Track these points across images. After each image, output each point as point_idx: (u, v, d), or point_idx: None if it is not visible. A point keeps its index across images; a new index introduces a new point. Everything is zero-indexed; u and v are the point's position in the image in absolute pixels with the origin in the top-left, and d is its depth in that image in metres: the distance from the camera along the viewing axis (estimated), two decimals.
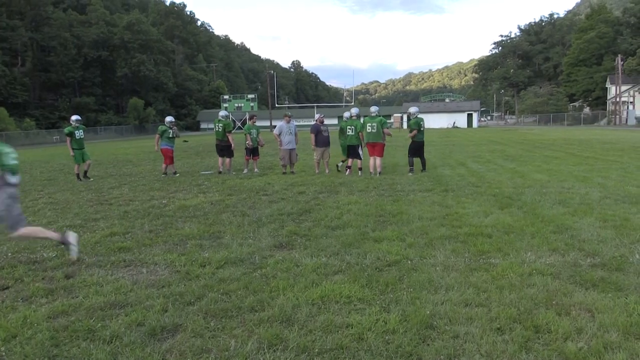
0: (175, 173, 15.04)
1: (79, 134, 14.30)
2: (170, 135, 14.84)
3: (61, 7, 78.61)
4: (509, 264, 5.08)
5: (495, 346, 3.42)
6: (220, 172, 15.05)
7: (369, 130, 13.01)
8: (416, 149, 13.65)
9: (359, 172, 13.40)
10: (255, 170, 15.40)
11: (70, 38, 73.77)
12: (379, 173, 13.03)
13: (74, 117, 14.53)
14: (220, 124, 14.93)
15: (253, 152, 15.52)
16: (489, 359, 3.30)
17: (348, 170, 13.58)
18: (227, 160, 15.13)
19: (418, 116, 13.89)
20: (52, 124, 67.17)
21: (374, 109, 13.42)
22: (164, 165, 15.02)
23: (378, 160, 13.16)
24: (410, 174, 13.06)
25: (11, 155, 5.49)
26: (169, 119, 15.41)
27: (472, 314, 3.94)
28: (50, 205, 10.09)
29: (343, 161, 14.43)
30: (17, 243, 6.80)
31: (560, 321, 3.75)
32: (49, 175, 16.37)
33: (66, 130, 14.40)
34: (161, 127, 14.95)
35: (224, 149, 15.00)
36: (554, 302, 4.12)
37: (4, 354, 3.55)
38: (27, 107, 65.91)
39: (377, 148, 13.10)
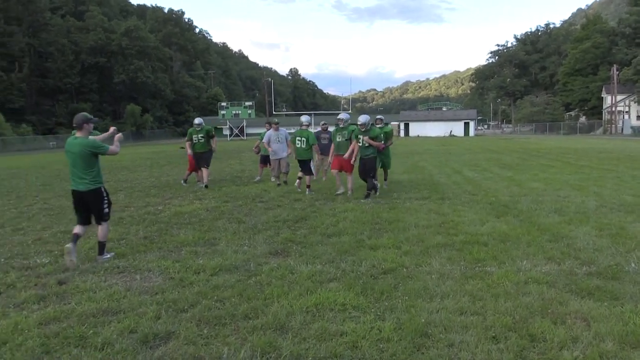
0: (184, 181, 14.03)
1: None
2: (197, 140, 13.37)
3: (59, 14, 78.64)
4: (505, 272, 5.06)
5: (491, 355, 3.40)
6: (185, 182, 13.67)
7: (339, 140, 10.84)
8: (364, 168, 10.53)
9: (307, 190, 11.37)
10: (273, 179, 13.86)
11: (67, 44, 73.78)
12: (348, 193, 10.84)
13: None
14: (201, 134, 12.93)
15: (266, 159, 14.09)
16: None
17: (298, 180, 11.79)
18: (204, 171, 13.02)
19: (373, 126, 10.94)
20: (49, 129, 67.05)
21: (343, 116, 11.07)
22: (187, 172, 14.15)
23: (348, 177, 10.90)
24: (365, 199, 10.26)
25: None
26: (198, 120, 13.88)
27: (467, 322, 3.92)
28: (45, 210, 10.04)
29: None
30: (10, 248, 6.75)
31: (555, 330, 3.73)
32: (45, 181, 16.31)
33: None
34: (191, 131, 13.61)
35: (202, 159, 13.01)
36: (549, 311, 4.10)
37: None
38: (24, 113, 65.77)
39: (345, 163, 10.75)
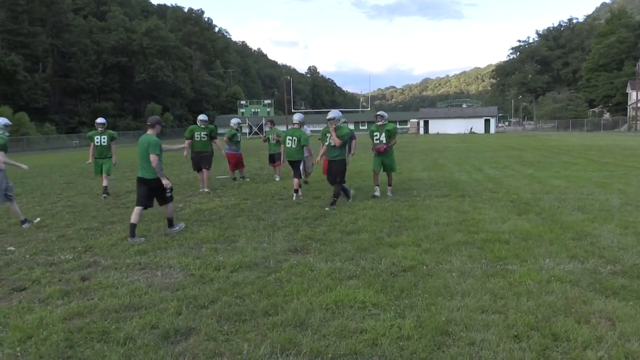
0: (234, 179, 14.00)
1: (101, 139, 11.69)
2: (238, 139, 13.74)
3: (81, 14, 79.78)
4: (527, 271, 5.00)
5: (513, 354, 3.36)
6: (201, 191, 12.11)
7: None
8: (330, 171, 9.73)
9: (295, 195, 10.42)
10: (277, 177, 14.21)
11: (90, 44, 74.83)
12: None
13: (98, 120, 11.96)
14: (204, 132, 12.06)
15: (273, 158, 14.21)
16: None
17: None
18: (205, 173, 12.10)
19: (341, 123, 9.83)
20: (72, 128, 68.10)
21: (334, 114, 9.71)
22: (230, 171, 14.13)
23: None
24: (330, 207, 9.18)
25: None
26: (235, 121, 13.93)
27: (489, 320, 3.88)
28: (69, 208, 10.20)
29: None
30: (35, 245, 6.88)
31: (579, 329, 3.67)
32: (68, 179, 16.57)
33: (88, 134, 11.98)
34: (229, 131, 13.73)
35: (203, 160, 12.04)
36: (573, 310, 4.04)
37: (19, 354, 3.58)
38: (48, 112, 66.89)
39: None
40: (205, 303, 4.44)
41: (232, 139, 13.66)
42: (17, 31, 65.08)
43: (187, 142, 11.93)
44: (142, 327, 3.95)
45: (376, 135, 10.43)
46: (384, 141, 10.31)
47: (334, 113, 9.58)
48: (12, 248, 6.78)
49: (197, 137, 11.95)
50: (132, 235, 7.02)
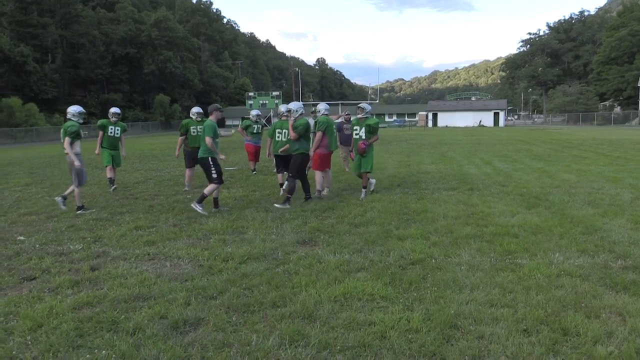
0: (253, 171, 13.70)
1: (114, 130, 11.25)
2: (255, 131, 13.41)
3: (90, 5, 79.85)
4: (536, 265, 4.97)
5: (522, 348, 3.34)
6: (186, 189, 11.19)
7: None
8: (290, 164, 9.05)
9: (282, 190, 9.73)
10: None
11: (99, 35, 74.91)
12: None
13: (113, 109, 11.42)
14: (200, 126, 10.40)
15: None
16: None
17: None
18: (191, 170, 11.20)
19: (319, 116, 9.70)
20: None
21: (321, 106, 9.78)
22: (250, 162, 13.96)
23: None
24: (282, 205, 8.57)
25: None
26: (254, 112, 13.55)
27: (498, 314, 3.86)
28: None
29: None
30: (45, 235, 6.93)
31: (589, 324, 3.64)
32: None
33: (99, 122, 11.24)
34: (245, 122, 13.48)
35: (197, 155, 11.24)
36: (583, 305, 4.01)
37: (30, 342, 3.61)
38: (57, 103, 67.05)
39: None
40: (214, 294, 4.45)
41: (247, 130, 13.38)
42: (27, 22, 65.23)
43: (180, 138, 11.07)
44: (151, 317, 3.97)
45: (356, 129, 9.42)
46: (364, 137, 9.24)
47: (293, 105, 9.01)
48: (22, 238, 6.83)
49: (194, 132, 10.88)
50: (216, 206, 8.45)
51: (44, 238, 6.77)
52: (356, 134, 9.40)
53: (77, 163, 8.38)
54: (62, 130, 8.57)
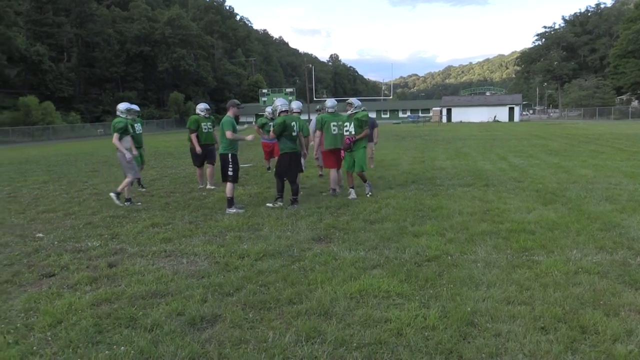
0: (268, 169, 13.55)
1: (139, 127, 10.94)
2: (270, 129, 12.52)
3: (105, 4, 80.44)
4: (554, 262, 4.93)
5: (539, 346, 3.32)
6: (201, 187, 11.18)
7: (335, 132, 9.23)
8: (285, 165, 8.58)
9: None
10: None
11: (113, 34, 75.48)
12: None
13: (133, 106, 10.04)
14: (210, 122, 11.02)
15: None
16: (533, 358, 3.20)
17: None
18: (209, 168, 11.11)
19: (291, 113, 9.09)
20: (97, 117, 69.00)
21: (295, 104, 9.56)
22: (265, 161, 13.92)
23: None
24: (277, 204, 8.55)
25: None
26: (269, 109, 13.06)
27: (515, 312, 3.84)
28: (95, 196, 10.36)
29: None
30: (63, 232, 7.02)
31: (608, 322, 3.61)
32: (94, 167, 16.84)
33: (126, 122, 9.17)
34: (260, 120, 13.16)
35: (209, 154, 10.99)
36: (601, 302, 3.97)
37: (50, 338, 3.66)
38: (73, 101, 67.78)
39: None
40: (231, 291, 4.48)
41: (264, 128, 13.14)
42: (42, 21, 66.00)
43: (193, 135, 10.83)
44: (168, 313, 4.01)
45: (346, 126, 9.13)
46: (354, 132, 8.98)
47: (277, 101, 8.89)
48: (40, 235, 6.92)
49: (205, 129, 10.81)
50: (229, 206, 8.16)
51: (62, 235, 6.86)
52: (346, 130, 9.11)
53: (128, 155, 8.80)
54: (111, 127, 9.03)
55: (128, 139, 9.11)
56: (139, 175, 9.14)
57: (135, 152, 9.58)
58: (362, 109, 9.27)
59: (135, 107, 10.59)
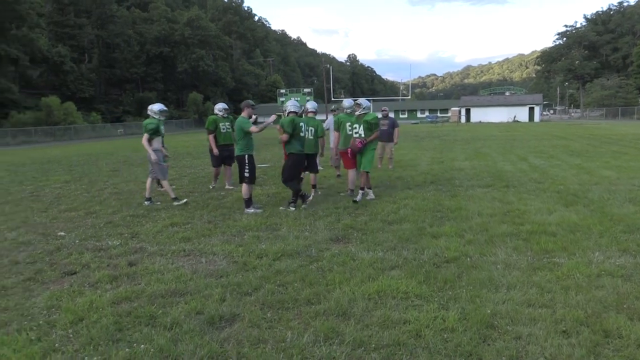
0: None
1: (162, 128, 9.72)
2: None
3: (125, 5, 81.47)
4: (575, 264, 4.85)
5: (561, 349, 3.27)
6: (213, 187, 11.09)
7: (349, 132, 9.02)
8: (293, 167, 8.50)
9: (312, 190, 9.56)
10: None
11: (133, 35, 76.45)
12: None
13: (161, 107, 9.41)
14: (228, 122, 10.79)
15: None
16: None
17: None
18: (228, 169, 11.07)
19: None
20: (117, 117, 70.02)
21: (311, 105, 9.65)
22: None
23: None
24: (305, 203, 8.45)
25: None
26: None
27: (536, 314, 3.79)
28: (115, 195, 10.50)
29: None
30: (84, 231, 7.11)
31: (632, 326, 3.54)
32: (114, 167, 17.06)
33: (156, 124, 9.07)
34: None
35: (229, 153, 10.67)
36: (625, 306, 3.89)
37: (71, 335, 3.71)
38: (94, 102, 68.78)
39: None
40: (249, 290, 4.50)
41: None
42: (64, 23, 67.12)
43: (211, 136, 10.67)
44: (187, 312, 4.04)
45: (355, 127, 8.88)
46: (363, 135, 8.77)
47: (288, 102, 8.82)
48: (62, 233, 7.03)
49: (223, 129, 10.66)
50: (247, 206, 8.15)
51: (83, 234, 6.95)
52: (356, 132, 8.86)
53: (153, 157, 8.82)
54: (142, 127, 9.06)
55: (159, 140, 9.08)
56: (160, 175, 9.11)
57: (166, 152, 9.49)
58: (371, 109, 9.13)
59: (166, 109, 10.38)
